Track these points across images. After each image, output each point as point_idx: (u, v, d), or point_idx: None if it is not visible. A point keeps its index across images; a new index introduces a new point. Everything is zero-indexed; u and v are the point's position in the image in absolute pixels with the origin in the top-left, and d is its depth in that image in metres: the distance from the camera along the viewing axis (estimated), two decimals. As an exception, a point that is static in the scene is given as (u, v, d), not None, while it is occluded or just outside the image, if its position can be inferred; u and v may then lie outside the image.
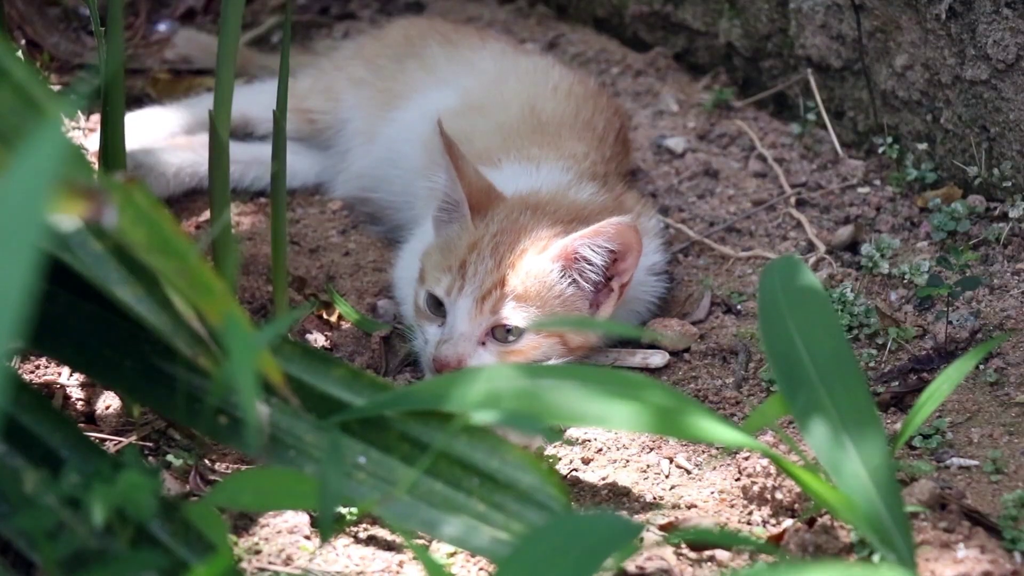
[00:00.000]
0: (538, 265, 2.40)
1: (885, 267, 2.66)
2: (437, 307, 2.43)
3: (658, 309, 2.64)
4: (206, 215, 2.84)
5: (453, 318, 2.40)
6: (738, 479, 2.16)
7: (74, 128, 3.01)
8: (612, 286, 2.44)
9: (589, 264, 2.40)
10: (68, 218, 1.49)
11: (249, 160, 2.94)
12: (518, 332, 2.39)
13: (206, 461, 2.15)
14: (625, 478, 2.21)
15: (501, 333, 2.39)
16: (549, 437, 2.11)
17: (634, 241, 2.39)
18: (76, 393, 2.32)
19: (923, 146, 2.88)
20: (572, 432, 2.31)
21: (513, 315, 2.38)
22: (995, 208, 2.76)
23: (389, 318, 2.64)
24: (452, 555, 1.99)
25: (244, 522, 2.01)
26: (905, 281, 2.64)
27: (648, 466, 2.24)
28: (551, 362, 2.41)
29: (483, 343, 2.39)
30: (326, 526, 1.67)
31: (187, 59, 3.38)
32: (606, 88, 3.16)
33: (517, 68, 2.91)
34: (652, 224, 2.68)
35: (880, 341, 2.52)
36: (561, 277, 2.40)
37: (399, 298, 2.63)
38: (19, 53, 2.50)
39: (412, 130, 2.83)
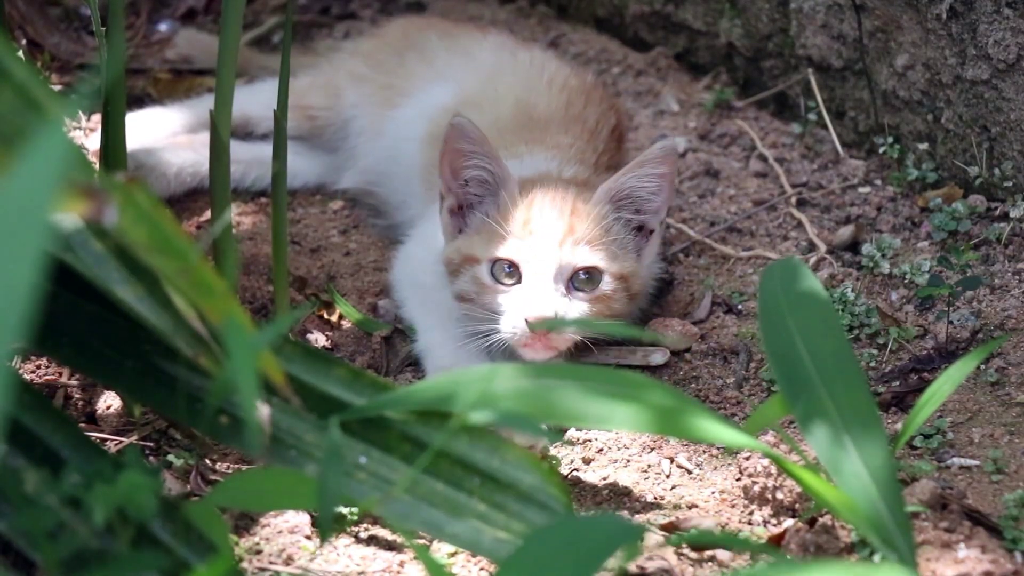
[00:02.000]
0: (594, 210, 2.42)
1: (886, 267, 2.66)
2: (506, 274, 2.41)
3: (656, 292, 2.64)
4: (207, 215, 2.84)
5: (532, 276, 2.39)
6: (739, 479, 2.16)
7: (75, 128, 3.01)
8: (652, 226, 2.48)
9: (635, 199, 2.44)
10: (69, 218, 1.49)
11: (250, 160, 2.94)
12: (597, 277, 2.41)
13: (207, 461, 2.15)
14: (626, 478, 2.21)
15: (580, 281, 2.40)
16: (550, 438, 2.11)
17: (674, 164, 2.45)
18: (77, 393, 2.32)
19: (924, 146, 2.88)
20: (573, 432, 2.31)
21: (591, 257, 2.39)
22: (996, 208, 2.76)
23: (390, 318, 2.64)
24: (453, 555, 1.99)
25: (245, 522, 2.01)
26: (906, 281, 2.64)
27: (649, 466, 2.24)
28: (605, 323, 2.41)
29: (568, 293, 2.40)
30: (325, 526, 1.67)
31: (188, 59, 3.38)
32: (606, 85, 3.15)
33: (515, 62, 2.91)
34: None
35: (881, 341, 2.52)
36: (614, 220, 2.44)
37: (398, 299, 2.63)
38: (20, 53, 2.50)
39: (412, 128, 2.83)
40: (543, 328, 2.33)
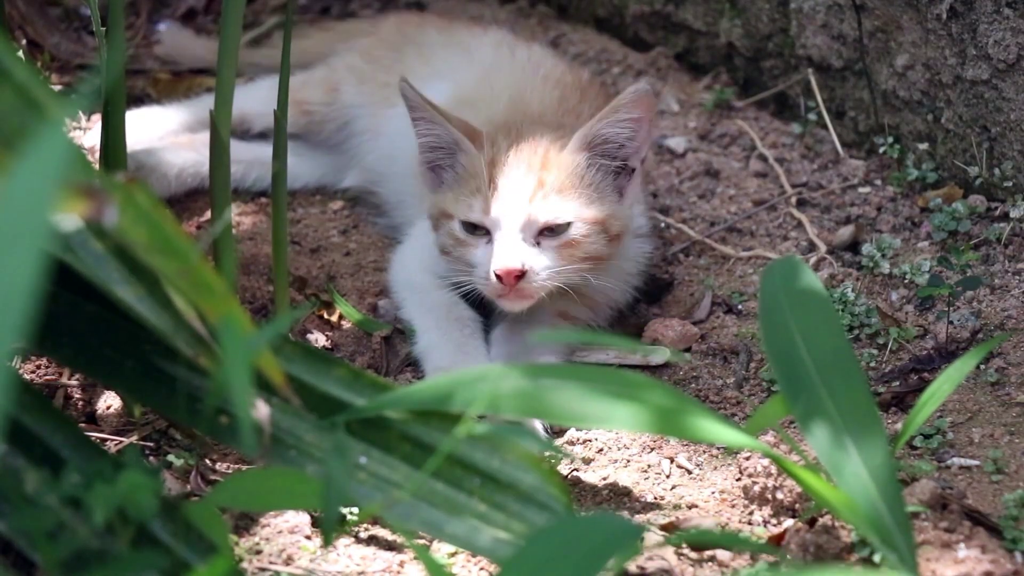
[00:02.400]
0: (565, 159, 2.44)
1: (886, 267, 2.66)
2: (475, 230, 2.45)
3: (646, 269, 2.65)
4: (207, 215, 2.84)
5: (501, 230, 2.41)
6: (739, 479, 2.16)
7: (75, 128, 3.01)
8: (632, 165, 2.49)
9: (611, 144, 2.45)
10: (69, 218, 1.49)
11: (251, 160, 2.94)
12: (565, 226, 2.42)
13: (207, 461, 2.15)
14: (626, 478, 2.21)
15: (549, 231, 2.42)
16: (548, 447, 2.12)
17: (652, 108, 2.45)
18: (77, 393, 2.32)
19: (924, 146, 2.88)
20: (573, 432, 2.31)
21: (559, 208, 2.41)
22: (996, 208, 2.76)
23: (390, 318, 2.64)
24: (453, 555, 1.99)
25: (245, 522, 2.01)
26: (906, 281, 2.64)
27: (649, 466, 2.24)
28: (584, 268, 2.43)
29: (537, 243, 2.42)
30: (330, 527, 1.66)
31: (173, 58, 3.38)
32: (604, 84, 3.15)
33: (512, 60, 2.91)
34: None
35: (881, 341, 2.52)
36: (588, 166, 2.46)
37: (397, 301, 2.63)
38: (20, 53, 2.50)
39: (410, 127, 2.83)
40: (511, 280, 2.37)
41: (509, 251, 2.39)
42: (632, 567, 1.92)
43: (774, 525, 2.08)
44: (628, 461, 2.25)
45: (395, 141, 2.86)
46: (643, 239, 2.65)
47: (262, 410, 1.73)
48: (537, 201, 2.41)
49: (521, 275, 2.38)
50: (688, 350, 2.56)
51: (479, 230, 2.44)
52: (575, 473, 2.23)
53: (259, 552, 1.96)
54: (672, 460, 2.25)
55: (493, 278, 2.39)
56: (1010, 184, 2.73)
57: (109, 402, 2.27)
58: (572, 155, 2.45)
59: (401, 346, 2.57)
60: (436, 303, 2.55)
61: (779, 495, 2.09)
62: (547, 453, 2.23)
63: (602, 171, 2.47)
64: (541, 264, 2.40)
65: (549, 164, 2.44)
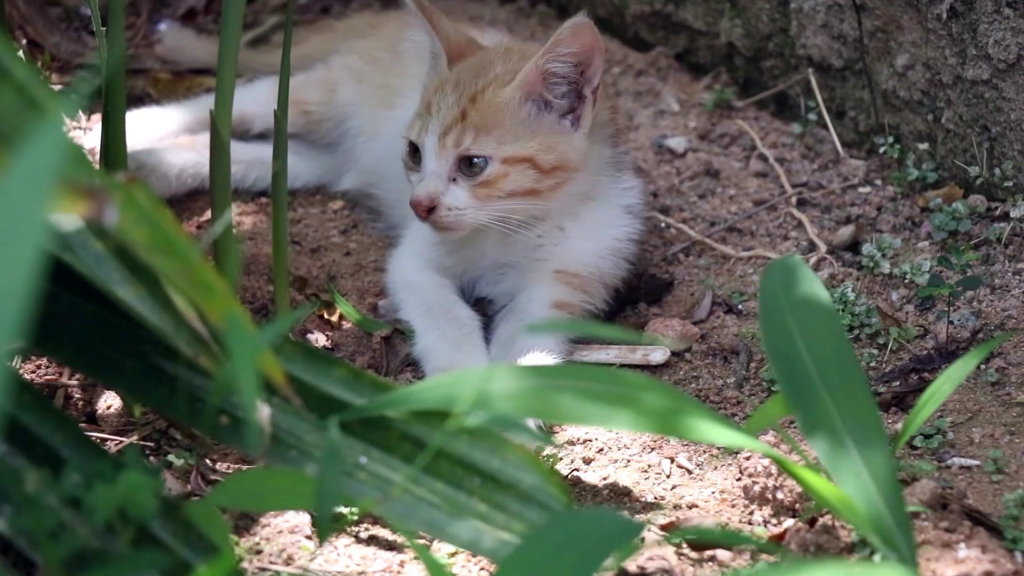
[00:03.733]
0: (500, 95, 2.46)
1: (886, 267, 2.66)
2: (414, 154, 2.49)
3: (637, 249, 2.65)
4: (207, 215, 2.84)
5: (424, 159, 2.47)
6: (739, 479, 2.16)
7: (75, 128, 3.01)
8: (584, 94, 2.49)
9: (557, 78, 2.46)
10: (69, 218, 1.49)
11: (251, 160, 2.94)
12: (483, 163, 2.45)
13: (207, 461, 2.15)
14: (626, 478, 2.21)
15: (467, 166, 2.45)
16: (544, 440, 2.12)
17: (594, 40, 2.44)
18: (77, 393, 2.32)
19: (924, 146, 2.88)
20: (573, 432, 2.31)
21: (475, 146, 2.44)
22: (996, 208, 2.76)
23: (390, 318, 2.64)
24: (453, 555, 1.99)
25: (245, 522, 2.01)
26: (906, 281, 2.64)
27: (649, 466, 2.24)
28: (513, 205, 2.46)
29: (454, 179, 2.45)
30: (324, 526, 1.67)
31: (173, 59, 3.38)
32: (605, 84, 3.15)
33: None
34: (628, 160, 2.72)
35: (881, 341, 2.52)
36: (526, 102, 2.47)
37: (395, 302, 2.64)
38: (20, 53, 2.50)
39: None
40: (422, 211, 2.43)
41: (423, 183, 2.45)
42: (632, 567, 1.92)
43: (774, 525, 2.08)
44: (628, 461, 2.25)
45: (392, 143, 2.86)
46: (634, 216, 2.65)
47: (263, 410, 1.73)
48: (453, 134, 2.44)
49: (431, 209, 2.43)
50: (688, 350, 2.56)
51: (412, 156, 2.49)
52: (575, 473, 2.23)
53: (259, 552, 1.96)
54: (672, 460, 2.25)
55: (411, 207, 2.45)
56: (1010, 184, 2.73)
57: (109, 402, 2.27)
58: (509, 91, 2.46)
59: (401, 346, 2.57)
60: (434, 304, 2.55)
61: (779, 495, 2.09)
62: (547, 451, 2.24)
63: (545, 107, 2.47)
64: (454, 201, 2.44)
65: (478, 99, 2.46)
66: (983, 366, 2.44)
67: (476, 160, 2.44)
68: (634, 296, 2.69)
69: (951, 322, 2.50)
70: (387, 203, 2.89)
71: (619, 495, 2.17)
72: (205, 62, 3.32)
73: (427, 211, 2.43)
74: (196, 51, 3.38)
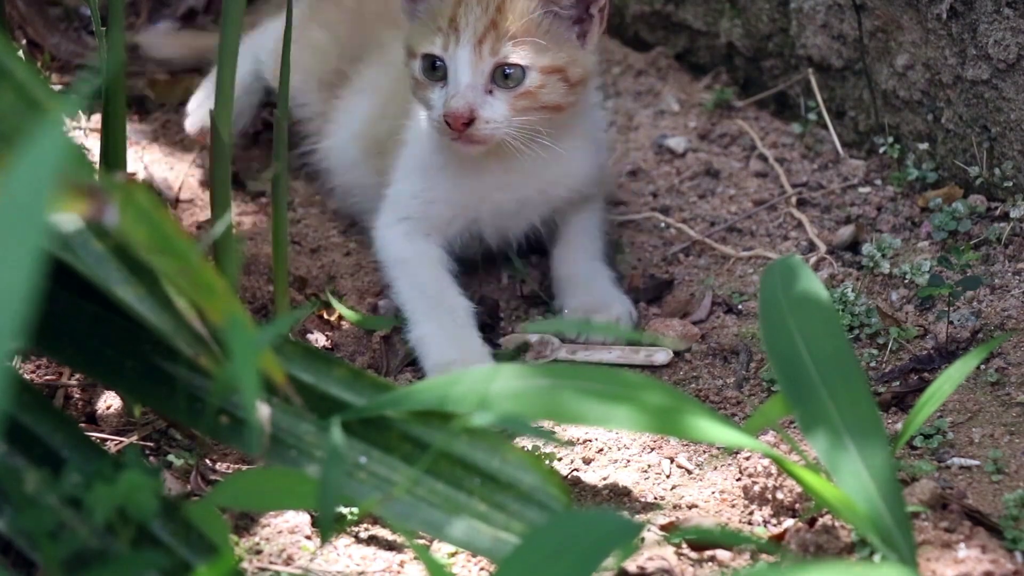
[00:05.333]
0: (520, 6, 2.45)
1: (886, 267, 2.66)
2: (433, 70, 2.47)
3: (606, 159, 2.74)
4: (207, 214, 2.84)
5: (455, 72, 2.43)
6: (739, 479, 2.16)
7: (75, 128, 3.01)
8: (592, 12, 2.50)
9: None
10: (69, 218, 1.49)
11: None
12: (520, 73, 2.44)
13: (207, 461, 2.15)
14: (626, 478, 2.21)
15: (501, 78, 2.44)
16: (545, 437, 2.12)
17: None
18: (77, 393, 2.32)
19: (924, 146, 2.88)
20: (573, 432, 2.31)
21: (514, 54, 2.43)
22: (996, 208, 2.76)
23: (390, 317, 2.64)
24: (453, 555, 1.99)
25: (245, 522, 2.01)
26: (906, 281, 2.64)
27: (649, 466, 2.24)
28: (538, 118, 2.46)
29: (490, 91, 2.44)
30: (326, 527, 1.67)
31: (165, 60, 3.36)
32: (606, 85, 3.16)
33: None
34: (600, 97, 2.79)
35: (881, 341, 2.52)
36: (545, 13, 2.46)
37: (387, 278, 2.63)
38: (20, 53, 2.50)
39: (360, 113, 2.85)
40: (459, 126, 2.40)
41: (460, 95, 2.42)
42: (632, 567, 1.92)
43: (774, 525, 2.08)
44: (628, 461, 2.25)
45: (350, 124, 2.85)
46: (601, 145, 2.74)
47: (263, 410, 1.74)
48: (488, 44, 2.42)
49: (469, 122, 2.40)
50: (688, 350, 2.56)
51: (437, 71, 2.46)
52: (575, 473, 2.23)
53: (259, 552, 1.96)
54: (672, 460, 2.25)
55: (444, 122, 2.42)
56: (1010, 184, 2.73)
57: (109, 402, 2.27)
58: (527, 2, 2.46)
59: (401, 346, 2.57)
60: (426, 287, 2.55)
61: (779, 495, 2.09)
62: (545, 448, 2.24)
63: (558, 19, 2.48)
64: (493, 113, 2.42)
65: (504, 8, 2.45)
66: (983, 366, 2.44)
67: (509, 71, 2.43)
68: (634, 296, 2.69)
69: (951, 322, 2.50)
70: (343, 186, 2.88)
71: (619, 495, 2.17)
72: (194, 58, 3.29)
73: (465, 124, 2.40)
74: (178, 48, 3.34)
